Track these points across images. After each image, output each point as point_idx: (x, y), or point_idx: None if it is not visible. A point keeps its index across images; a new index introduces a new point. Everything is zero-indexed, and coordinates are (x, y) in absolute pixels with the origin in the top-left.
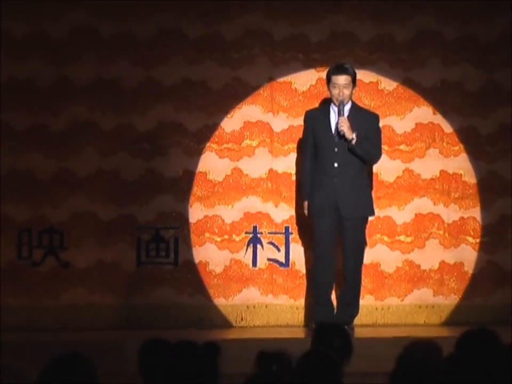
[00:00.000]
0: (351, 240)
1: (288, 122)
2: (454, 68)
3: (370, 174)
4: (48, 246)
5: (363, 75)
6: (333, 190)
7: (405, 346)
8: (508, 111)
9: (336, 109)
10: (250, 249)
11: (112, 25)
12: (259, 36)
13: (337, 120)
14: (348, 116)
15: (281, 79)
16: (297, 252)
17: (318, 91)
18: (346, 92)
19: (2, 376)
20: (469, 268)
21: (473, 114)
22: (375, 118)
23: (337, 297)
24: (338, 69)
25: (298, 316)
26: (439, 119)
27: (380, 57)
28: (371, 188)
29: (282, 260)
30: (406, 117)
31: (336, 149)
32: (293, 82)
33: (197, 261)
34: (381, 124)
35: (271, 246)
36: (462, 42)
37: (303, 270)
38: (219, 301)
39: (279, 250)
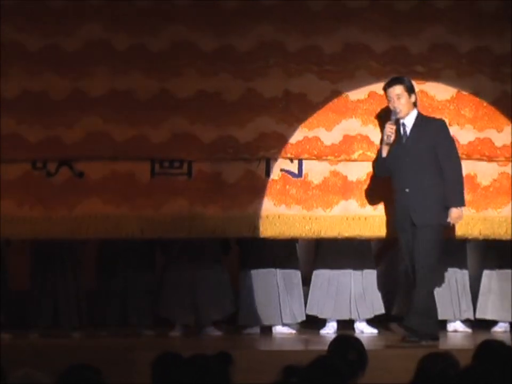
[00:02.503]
0: (419, 247)
1: (303, 134)
2: (468, 80)
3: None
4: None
5: (377, 87)
6: (406, 199)
7: (422, 358)
8: None
9: (401, 121)
10: (263, 160)
11: (127, 38)
12: (272, 48)
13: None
14: (413, 126)
15: (296, 91)
16: (310, 163)
17: (332, 103)
18: (401, 101)
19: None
20: None
21: (488, 126)
22: (442, 124)
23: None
24: (388, 82)
25: (311, 227)
26: (454, 130)
27: (394, 69)
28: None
29: (295, 170)
30: None
31: (407, 159)
32: (307, 94)
33: (210, 171)
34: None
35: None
36: (475, 55)
37: (316, 181)
38: (232, 212)
39: (292, 161)
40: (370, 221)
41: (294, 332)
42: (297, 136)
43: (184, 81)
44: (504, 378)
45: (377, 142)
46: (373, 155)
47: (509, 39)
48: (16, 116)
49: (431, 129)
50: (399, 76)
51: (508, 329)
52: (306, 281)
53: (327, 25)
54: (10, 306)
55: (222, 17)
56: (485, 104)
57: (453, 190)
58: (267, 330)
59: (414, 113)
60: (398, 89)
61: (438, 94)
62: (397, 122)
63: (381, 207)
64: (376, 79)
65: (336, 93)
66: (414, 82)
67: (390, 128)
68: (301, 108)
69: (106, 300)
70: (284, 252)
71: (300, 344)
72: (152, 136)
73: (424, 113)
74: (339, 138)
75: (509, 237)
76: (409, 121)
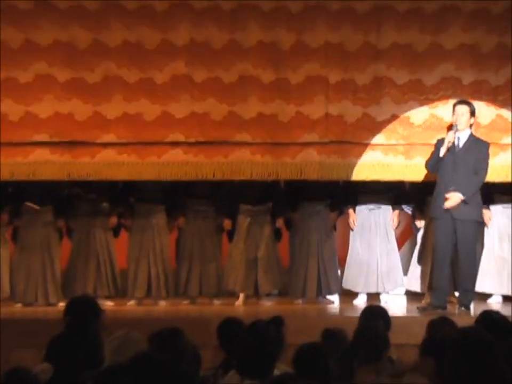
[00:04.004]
0: (462, 240)
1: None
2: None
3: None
4: None
5: (398, 110)
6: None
7: (430, 322)
8: None
9: (457, 135)
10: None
11: (206, 72)
12: (317, 81)
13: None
14: (466, 141)
15: (335, 113)
16: None
17: (363, 123)
18: (463, 119)
19: (125, 345)
20: None
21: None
22: (485, 145)
23: (456, 285)
24: (460, 101)
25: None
26: None
27: (411, 97)
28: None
29: None
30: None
31: (456, 165)
32: (343, 116)
33: None
34: None
35: None
36: (476, 86)
37: None
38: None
39: None
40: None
41: (333, 301)
42: None
43: (248, 106)
44: (497, 339)
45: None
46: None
47: (503, 73)
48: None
49: (478, 147)
50: (468, 100)
51: (501, 300)
52: (341, 262)
53: (360, 63)
54: (115, 280)
55: (279, 56)
56: (482, 125)
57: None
58: (311, 300)
59: (468, 131)
60: (463, 109)
61: (445, 116)
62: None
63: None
64: (397, 104)
65: (366, 115)
66: (433, 106)
67: (452, 136)
68: (338, 127)
69: (187, 276)
70: (324, 236)
71: (337, 312)
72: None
73: (432, 128)
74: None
75: None
76: (463, 136)
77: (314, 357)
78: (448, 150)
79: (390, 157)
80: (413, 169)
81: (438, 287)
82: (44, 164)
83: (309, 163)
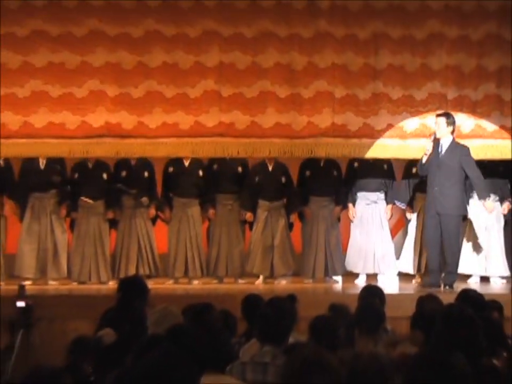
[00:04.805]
0: (446, 231)
1: None
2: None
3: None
4: None
5: (393, 121)
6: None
7: (419, 298)
8: None
9: (440, 142)
10: None
11: (231, 88)
12: (324, 95)
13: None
14: (448, 147)
15: (339, 123)
16: None
17: (364, 131)
18: (441, 128)
19: (164, 317)
20: None
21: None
22: (467, 149)
23: (442, 268)
24: (438, 114)
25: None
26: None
27: (404, 109)
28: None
29: None
30: None
31: (440, 168)
32: (347, 125)
33: None
34: None
35: None
36: (458, 100)
37: None
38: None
39: None
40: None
41: (337, 281)
42: None
43: (267, 117)
44: (475, 312)
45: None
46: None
47: (481, 90)
48: None
49: (460, 151)
50: (447, 112)
51: (478, 280)
52: (344, 248)
53: (361, 81)
54: (155, 262)
55: (293, 75)
56: (463, 133)
57: (478, 189)
58: (320, 280)
59: (450, 138)
60: (441, 120)
61: (433, 125)
62: (435, 141)
63: None
64: (392, 116)
65: (366, 125)
66: (422, 117)
67: (430, 145)
68: (344, 135)
69: (216, 259)
70: (330, 226)
71: (341, 290)
72: None
73: (421, 135)
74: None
75: None
76: (446, 142)
77: (326, 328)
78: (430, 156)
79: (387, 140)
80: (406, 149)
81: (432, 270)
82: (96, 143)
83: (318, 143)
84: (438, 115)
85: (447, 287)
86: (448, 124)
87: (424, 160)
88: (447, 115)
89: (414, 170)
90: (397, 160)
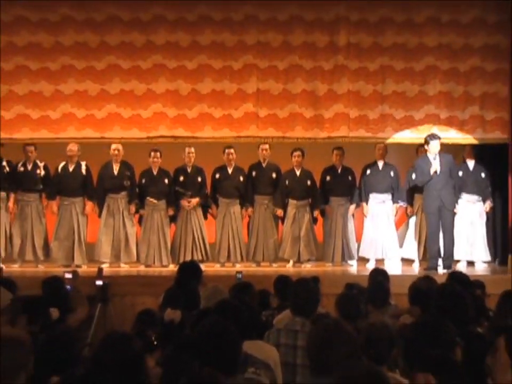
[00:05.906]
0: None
1: None
2: (444, 133)
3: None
4: None
5: (396, 136)
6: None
7: (415, 280)
8: None
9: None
10: None
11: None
12: (342, 116)
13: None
14: (439, 157)
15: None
16: None
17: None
18: (436, 147)
19: (213, 294)
20: None
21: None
22: (451, 156)
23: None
24: (431, 137)
25: None
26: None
27: (406, 127)
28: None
29: None
30: None
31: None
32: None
33: None
34: None
35: None
36: (449, 120)
37: None
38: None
39: None
40: None
41: (352, 265)
42: None
43: (295, 133)
44: (463, 289)
45: None
46: None
47: (468, 112)
48: None
49: (447, 159)
50: (436, 134)
51: (465, 264)
52: (358, 238)
53: (371, 104)
54: (206, 250)
55: (316, 99)
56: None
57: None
58: (338, 264)
59: (437, 151)
60: (436, 142)
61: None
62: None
63: None
64: (395, 131)
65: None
66: (419, 133)
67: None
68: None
69: (254, 247)
70: (346, 221)
71: (355, 271)
72: None
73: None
74: None
75: None
76: (436, 156)
77: (350, 303)
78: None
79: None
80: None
81: (432, 256)
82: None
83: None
84: (432, 138)
85: (445, 270)
86: (439, 143)
87: (432, 172)
88: (439, 137)
89: (413, 176)
90: (400, 168)
